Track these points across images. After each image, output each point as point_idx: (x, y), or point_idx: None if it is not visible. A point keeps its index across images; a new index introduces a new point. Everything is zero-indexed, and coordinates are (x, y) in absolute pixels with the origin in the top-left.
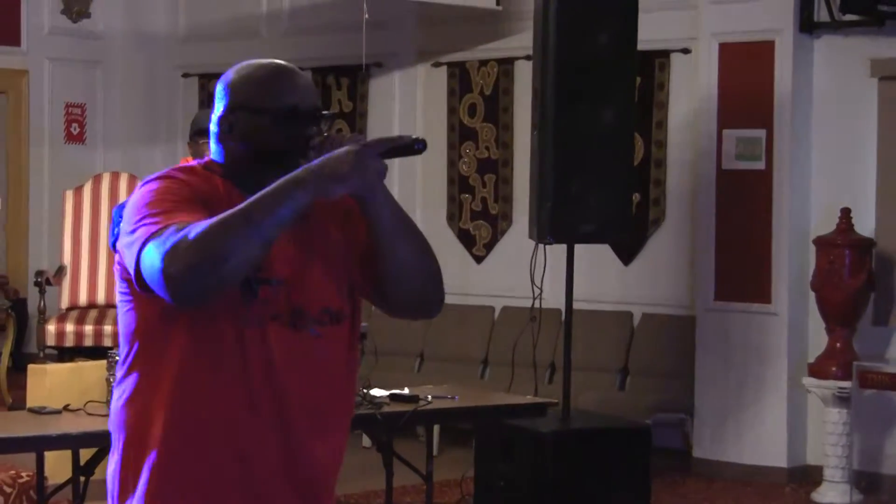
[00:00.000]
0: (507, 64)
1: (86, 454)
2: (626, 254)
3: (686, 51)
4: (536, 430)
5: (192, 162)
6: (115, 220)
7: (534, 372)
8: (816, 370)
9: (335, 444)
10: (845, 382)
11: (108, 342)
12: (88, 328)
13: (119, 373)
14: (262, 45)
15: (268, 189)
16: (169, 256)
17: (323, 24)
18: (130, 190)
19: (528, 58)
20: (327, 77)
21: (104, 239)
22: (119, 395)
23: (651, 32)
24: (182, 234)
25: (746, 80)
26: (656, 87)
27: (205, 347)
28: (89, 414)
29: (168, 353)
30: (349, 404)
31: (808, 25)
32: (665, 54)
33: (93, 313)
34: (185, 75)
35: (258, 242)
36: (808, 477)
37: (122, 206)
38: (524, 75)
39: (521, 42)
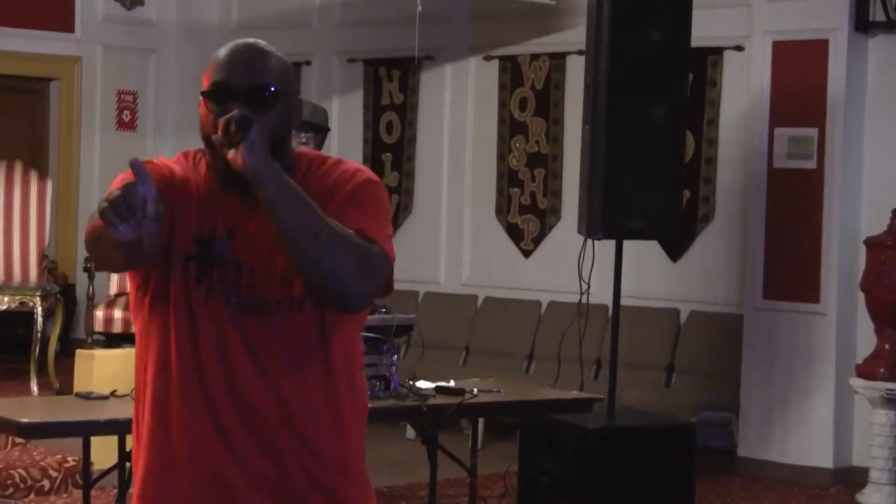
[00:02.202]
0: (558, 58)
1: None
2: (675, 251)
3: (739, 48)
4: (581, 425)
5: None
6: None
7: (580, 367)
8: (864, 371)
9: (315, 436)
10: (893, 384)
11: None
12: None
13: None
14: (315, 36)
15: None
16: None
17: (375, 16)
18: None
19: (580, 52)
20: (379, 69)
21: None
22: None
23: (704, 29)
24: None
25: (799, 78)
26: (708, 85)
27: (163, 329)
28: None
29: (144, 344)
30: (328, 401)
31: (862, 24)
32: (718, 51)
33: None
34: None
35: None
36: (853, 478)
37: None
38: (576, 70)
39: (573, 37)
